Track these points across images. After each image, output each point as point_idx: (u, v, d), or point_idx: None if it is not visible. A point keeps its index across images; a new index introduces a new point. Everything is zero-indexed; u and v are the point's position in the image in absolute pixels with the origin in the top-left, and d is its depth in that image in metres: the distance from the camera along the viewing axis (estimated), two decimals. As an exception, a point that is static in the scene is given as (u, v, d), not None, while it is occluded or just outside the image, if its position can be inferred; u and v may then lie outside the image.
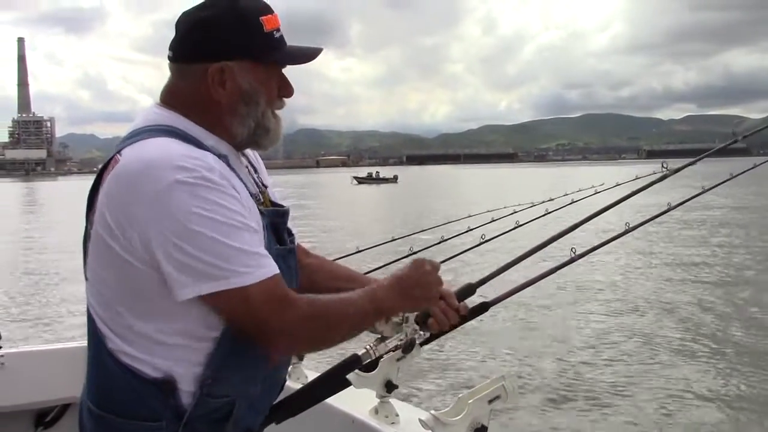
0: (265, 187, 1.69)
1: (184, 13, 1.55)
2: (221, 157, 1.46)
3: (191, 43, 1.52)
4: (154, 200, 1.33)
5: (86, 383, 1.55)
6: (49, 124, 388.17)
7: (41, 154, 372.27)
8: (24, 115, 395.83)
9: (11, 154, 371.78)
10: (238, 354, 1.46)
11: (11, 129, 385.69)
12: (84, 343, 2.73)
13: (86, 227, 1.48)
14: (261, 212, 1.53)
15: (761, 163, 2.57)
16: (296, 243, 1.72)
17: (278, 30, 1.55)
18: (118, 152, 1.43)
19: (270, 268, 1.41)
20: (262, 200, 1.61)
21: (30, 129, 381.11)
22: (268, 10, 1.54)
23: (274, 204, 1.67)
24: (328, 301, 1.52)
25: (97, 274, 1.46)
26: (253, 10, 1.52)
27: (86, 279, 1.51)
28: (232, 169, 1.48)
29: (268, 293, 1.40)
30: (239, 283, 1.36)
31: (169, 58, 1.55)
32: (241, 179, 1.50)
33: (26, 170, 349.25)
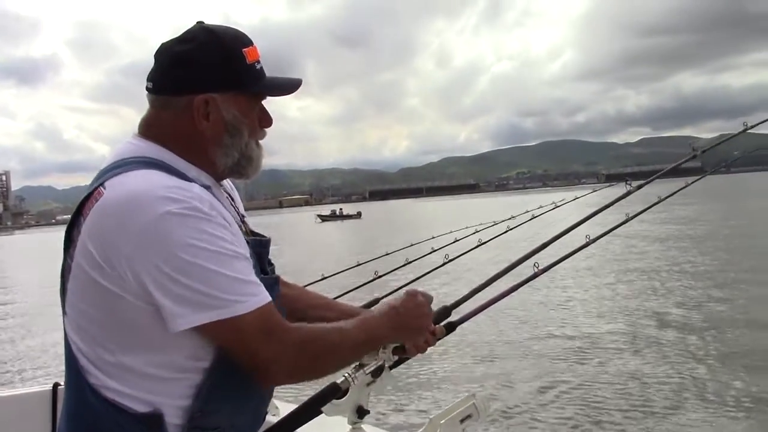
0: (243, 216, 1.68)
1: (163, 44, 1.54)
2: (205, 187, 1.44)
3: (174, 76, 1.50)
4: (144, 233, 1.31)
5: (65, 422, 1.49)
6: (4, 178, 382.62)
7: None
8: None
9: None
10: (227, 385, 1.44)
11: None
12: (47, 386, 2.70)
13: (65, 261, 1.44)
14: (246, 242, 1.51)
15: (694, 181, 2.60)
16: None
17: (259, 62, 1.56)
18: (101, 185, 1.40)
19: (263, 296, 1.40)
20: (244, 230, 1.60)
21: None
22: (248, 41, 1.55)
23: (254, 234, 1.66)
24: (321, 331, 1.50)
25: (78, 309, 1.42)
26: (235, 42, 1.52)
27: (64, 314, 1.46)
28: (217, 199, 1.46)
29: (263, 322, 1.38)
30: (235, 312, 1.34)
31: (149, 89, 1.54)
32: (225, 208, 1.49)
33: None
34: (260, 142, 1.62)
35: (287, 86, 1.62)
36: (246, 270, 1.40)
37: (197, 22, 1.57)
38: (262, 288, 1.41)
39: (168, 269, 1.31)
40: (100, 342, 1.40)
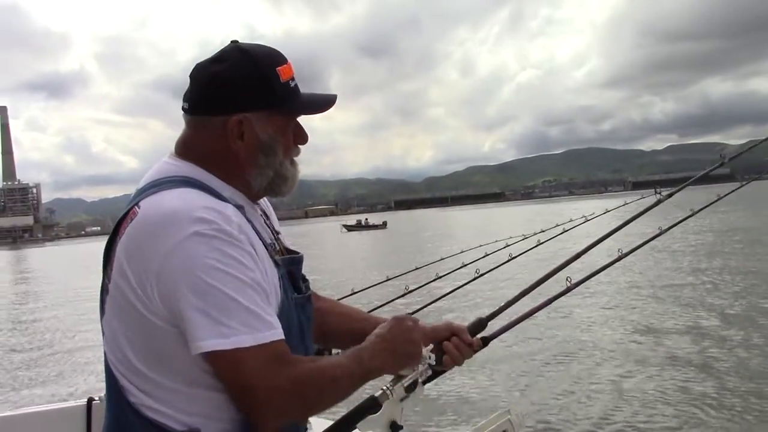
0: (278, 233, 1.68)
1: (198, 65, 1.55)
2: (238, 207, 1.44)
3: (209, 96, 1.51)
4: (171, 252, 1.32)
5: None
6: (35, 191, 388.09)
7: (28, 220, 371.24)
8: (9, 183, 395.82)
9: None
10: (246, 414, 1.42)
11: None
12: (82, 401, 2.73)
13: (103, 281, 1.46)
14: (276, 263, 1.51)
15: (728, 194, 2.57)
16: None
17: (293, 79, 1.56)
18: (136, 204, 1.41)
19: (270, 333, 1.37)
20: (277, 248, 1.60)
21: (16, 196, 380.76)
22: (282, 59, 1.55)
23: (288, 251, 1.66)
24: (317, 368, 1.45)
25: (115, 328, 1.43)
26: (269, 61, 1.53)
27: (103, 333, 1.48)
28: (249, 221, 1.46)
29: (263, 359, 1.35)
30: (234, 343, 1.32)
31: (184, 109, 1.55)
32: (256, 230, 1.48)
33: (13, 238, 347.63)
34: (295, 159, 1.62)
35: (322, 103, 1.63)
36: (260, 303, 1.38)
37: (231, 41, 1.58)
38: (273, 325, 1.38)
39: (187, 290, 1.31)
40: (136, 362, 1.41)
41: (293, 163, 1.61)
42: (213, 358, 1.34)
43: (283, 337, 1.39)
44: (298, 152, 1.63)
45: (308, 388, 1.42)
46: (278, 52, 1.57)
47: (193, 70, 1.55)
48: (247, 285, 1.35)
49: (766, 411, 7.43)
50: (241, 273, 1.35)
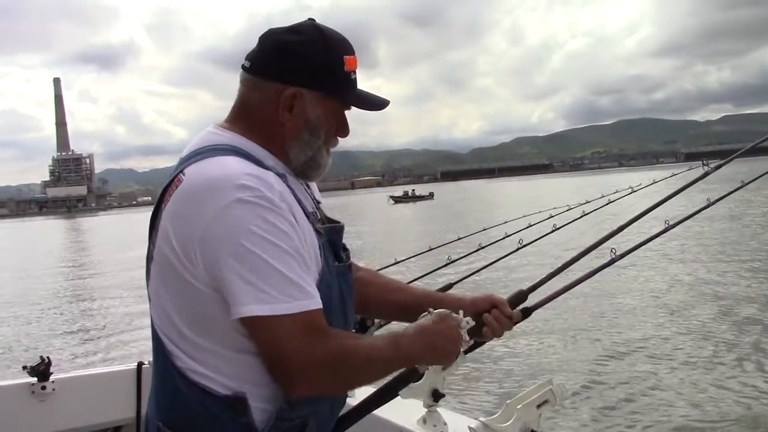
0: (319, 203, 1.69)
1: (271, 30, 1.58)
2: (280, 176, 1.47)
3: (273, 62, 1.53)
4: (215, 218, 1.34)
5: (153, 402, 1.55)
6: (88, 161, 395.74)
7: (81, 190, 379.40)
8: (63, 153, 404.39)
9: (53, 192, 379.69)
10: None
11: (51, 168, 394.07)
12: (132, 365, 2.82)
13: (149, 248, 1.49)
14: (318, 231, 1.53)
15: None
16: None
17: (355, 72, 1.58)
18: (181, 171, 1.44)
19: (309, 302, 1.39)
20: (318, 217, 1.61)
21: (70, 166, 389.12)
22: (351, 50, 1.58)
23: (329, 220, 1.67)
24: (354, 344, 1.47)
25: (160, 295, 1.47)
26: (339, 46, 1.56)
27: (149, 299, 1.52)
28: (291, 189, 1.48)
29: (300, 329, 1.37)
30: (273, 310, 1.35)
31: (244, 67, 1.57)
32: (298, 199, 1.50)
33: (68, 207, 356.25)
34: (330, 150, 1.63)
35: (374, 102, 1.64)
36: (300, 271, 1.39)
37: (308, 19, 1.59)
38: (312, 295, 1.40)
39: (229, 256, 1.34)
40: (181, 326, 1.44)
41: (328, 152, 1.63)
42: (250, 323, 1.37)
43: (321, 306, 1.41)
44: (336, 143, 1.65)
45: (342, 364, 1.43)
46: (349, 42, 1.59)
47: (264, 33, 1.58)
48: (286, 253, 1.37)
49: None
50: (282, 241, 1.37)
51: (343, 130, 1.64)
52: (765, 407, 6.98)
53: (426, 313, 1.67)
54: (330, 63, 1.53)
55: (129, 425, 2.80)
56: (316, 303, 1.40)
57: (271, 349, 1.39)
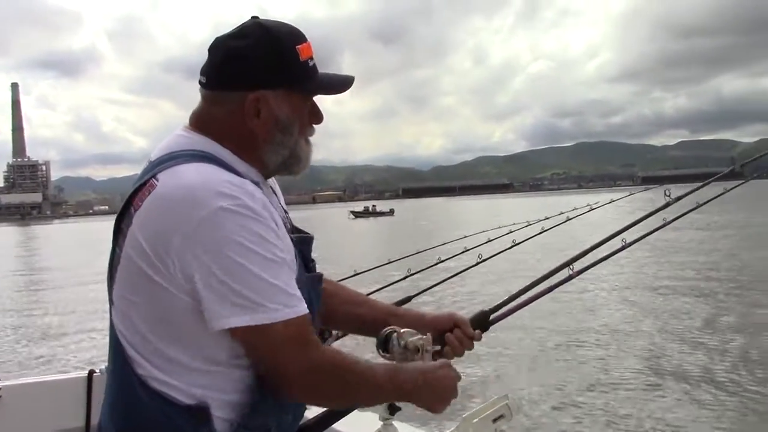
0: (286, 212, 1.67)
1: (218, 39, 1.54)
2: (255, 184, 1.44)
3: (226, 72, 1.50)
4: (197, 227, 1.31)
5: (107, 410, 1.51)
6: (44, 168, 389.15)
7: (36, 197, 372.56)
8: (19, 159, 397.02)
9: (6, 198, 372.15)
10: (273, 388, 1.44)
11: (6, 174, 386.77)
12: (83, 373, 2.76)
13: (113, 251, 1.45)
14: (292, 240, 1.51)
15: (733, 187, 2.55)
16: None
17: (312, 58, 1.55)
18: (153, 177, 1.40)
19: (299, 308, 1.38)
20: (288, 227, 1.59)
21: (25, 173, 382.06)
22: (302, 38, 1.54)
23: (298, 230, 1.65)
24: (349, 361, 1.47)
25: (126, 299, 1.43)
26: (289, 38, 1.51)
27: (111, 303, 1.48)
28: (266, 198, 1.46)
29: (294, 335, 1.37)
30: (269, 320, 1.33)
31: (201, 83, 1.54)
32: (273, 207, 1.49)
33: (22, 214, 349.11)
34: (310, 138, 1.61)
35: (339, 84, 1.61)
36: (287, 278, 1.39)
37: (252, 17, 1.55)
38: (300, 300, 1.40)
39: (214, 266, 1.31)
40: (147, 333, 1.40)
41: (308, 142, 1.60)
42: (241, 334, 1.35)
43: (308, 311, 1.41)
44: (312, 132, 1.62)
45: (336, 374, 1.44)
46: (298, 30, 1.55)
47: (212, 44, 1.54)
48: (273, 262, 1.36)
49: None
50: (267, 250, 1.35)
51: (317, 117, 1.61)
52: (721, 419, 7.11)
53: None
54: (284, 58, 1.50)
55: None
56: (305, 308, 1.40)
57: (265, 356, 1.39)
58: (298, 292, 1.41)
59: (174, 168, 1.40)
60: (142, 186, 1.41)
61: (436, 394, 1.58)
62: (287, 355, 1.37)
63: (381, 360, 1.69)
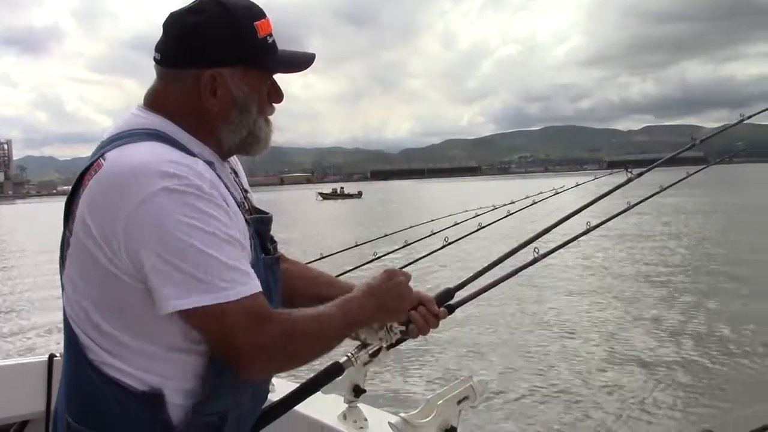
0: (246, 192, 1.64)
1: (171, 14, 1.48)
2: (208, 163, 1.40)
3: (181, 49, 1.45)
4: (139, 207, 1.27)
5: (63, 396, 1.47)
6: (5, 147, 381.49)
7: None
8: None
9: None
10: (229, 368, 1.39)
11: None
12: (43, 357, 2.72)
13: (64, 234, 1.41)
14: (247, 221, 1.48)
15: (696, 171, 2.58)
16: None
17: (271, 35, 1.50)
18: (101, 156, 1.36)
19: (251, 285, 1.35)
20: (246, 207, 1.56)
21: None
22: (260, 14, 1.49)
23: (257, 210, 1.62)
24: (304, 321, 1.44)
25: (76, 284, 1.39)
26: (246, 14, 1.46)
27: (62, 288, 1.44)
28: (219, 177, 1.42)
29: (247, 313, 1.33)
30: (220, 299, 1.30)
31: (156, 60, 1.49)
32: (227, 187, 1.44)
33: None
34: (269, 118, 1.57)
35: (299, 62, 1.57)
36: (238, 256, 1.35)
37: None
38: (253, 277, 1.37)
39: (159, 247, 1.27)
40: (98, 319, 1.37)
41: (267, 122, 1.56)
42: (193, 315, 1.31)
43: (261, 289, 1.37)
44: (272, 111, 1.57)
45: (292, 340, 1.41)
46: (257, 5, 1.50)
47: (166, 20, 1.49)
48: (222, 240, 1.32)
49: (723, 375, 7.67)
50: (215, 228, 1.31)
51: (276, 96, 1.57)
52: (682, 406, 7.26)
53: None
54: (241, 34, 1.45)
55: (37, 420, 2.69)
56: (257, 285, 1.36)
57: (218, 337, 1.34)
58: (251, 270, 1.37)
59: (121, 147, 1.36)
60: (90, 166, 1.37)
61: (392, 307, 1.60)
62: (241, 335, 1.33)
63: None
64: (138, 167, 1.30)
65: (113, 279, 1.32)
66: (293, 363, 1.48)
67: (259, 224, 1.56)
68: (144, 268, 1.29)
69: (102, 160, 1.35)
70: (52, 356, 2.72)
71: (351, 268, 3.26)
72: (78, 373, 1.41)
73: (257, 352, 1.36)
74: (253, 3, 1.51)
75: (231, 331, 1.33)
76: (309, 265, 2.04)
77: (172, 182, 1.29)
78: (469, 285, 1.99)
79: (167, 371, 1.38)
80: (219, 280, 1.30)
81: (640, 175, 2.39)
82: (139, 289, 1.32)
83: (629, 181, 2.35)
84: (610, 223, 2.31)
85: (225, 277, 1.31)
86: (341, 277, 2.64)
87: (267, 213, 1.65)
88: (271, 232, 1.66)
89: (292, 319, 1.42)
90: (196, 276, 1.28)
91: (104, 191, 1.31)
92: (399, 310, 1.63)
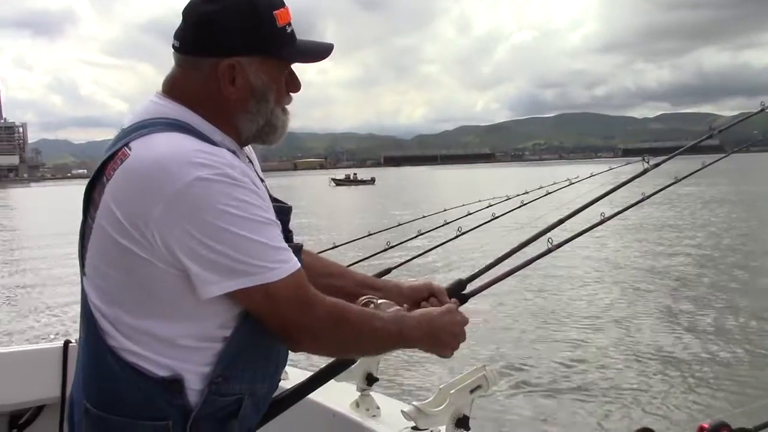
0: (262, 180, 1.63)
1: (192, 1, 1.48)
2: (231, 152, 1.41)
3: (201, 37, 1.45)
4: (176, 198, 1.28)
5: (80, 382, 1.48)
6: (21, 130, 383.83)
7: (13, 160, 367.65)
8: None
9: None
10: (248, 352, 1.44)
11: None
12: (58, 344, 2.74)
13: (84, 221, 1.43)
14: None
15: (712, 162, 2.55)
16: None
17: (290, 24, 1.50)
18: (126, 145, 1.37)
19: (294, 263, 1.40)
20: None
21: (1, 135, 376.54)
22: (280, 3, 1.48)
23: (275, 200, 1.62)
24: (353, 309, 1.51)
25: (99, 270, 1.40)
26: (266, 3, 1.46)
27: (84, 274, 1.45)
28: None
29: (294, 289, 1.39)
30: (267, 278, 1.34)
31: (175, 47, 1.49)
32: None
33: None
34: (287, 107, 1.57)
35: (318, 52, 1.57)
36: (277, 236, 1.39)
37: None
38: (292, 254, 1.41)
39: (199, 235, 1.29)
40: (122, 304, 1.38)
41: (284, 111, 1.57)
42: (241, 296, 1.36)
43: (301, 266, 1.42)
44: (290, 100, 1.58)
45: (344, 323, 1.47)
46: None
47: (186, 7, 1.48)
48: (260, 223, 1.35)
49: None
50: (251, 213, 1.34)
51: (294, 85, 1.57)
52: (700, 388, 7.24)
53: (366, 300, 1.67)
54: (261, 23, 1.44)
55: (53, 405, 2.72)
56: (299, 263, 1.41)
57: (270, 316, 1.40)
58: (287, 246, 1.41)
59: (146, 137, 1.36)
60: (114, 154, 1.37)
61: (443, 341, 1.61)
62: (292, 311, 1.39)
63: None
64: (166, 158, 1.31)
65: (145, 267, 1.34)
66: (342, 348, 1.56)
67: (280, 214, 1.56)
68: (180, 255, 1.31)
69: (127, 150, 1.35)
70: (67, 342, 2.74)
71: (364, 257, 3.27)
72: (97, 359, 1.42)
73: (307, 329, 1.43)
74: None
75: (282, 309, 1.39)
76: (321, 254, 2.04)
77: (205, 172, 1.30)
78: (483, 275, 1.98)
79: (189, 357, 1.40)
80: (262, 260, 1.34)
81: (656, 166, 2.37)
82: (175, 276, 1.34)
83: (645, 171, 2.33)
84: (625, 213, 2.30)
85: (270, 258, 1.35)
86: (354, 266, 2.66)
87: (286, 203, 1.65)
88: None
89: (347, 307, 1.49)
90: (239, 259, 1.32)
91: (134, 183, 1.32)
92: (446, 347, 1.63)
